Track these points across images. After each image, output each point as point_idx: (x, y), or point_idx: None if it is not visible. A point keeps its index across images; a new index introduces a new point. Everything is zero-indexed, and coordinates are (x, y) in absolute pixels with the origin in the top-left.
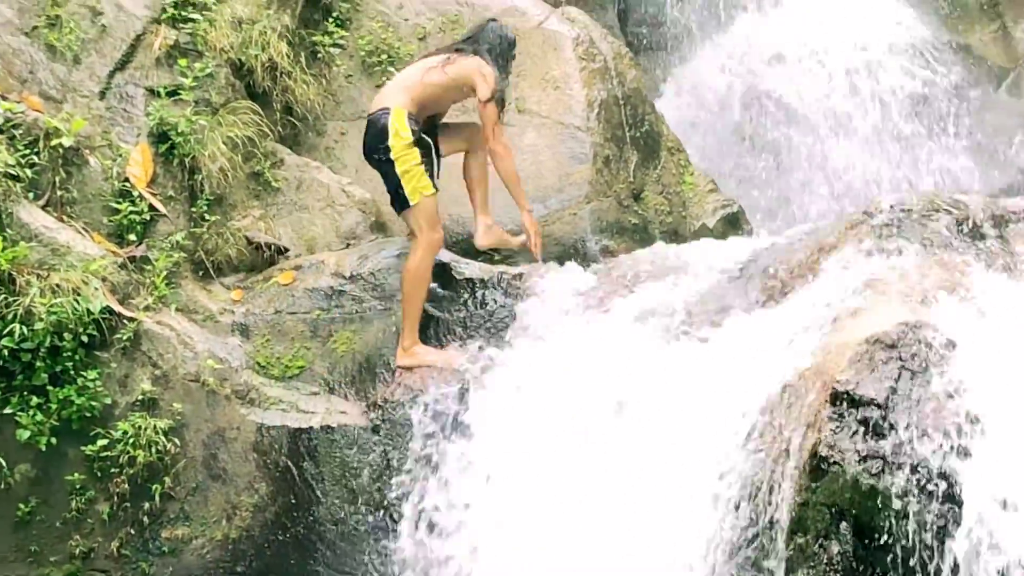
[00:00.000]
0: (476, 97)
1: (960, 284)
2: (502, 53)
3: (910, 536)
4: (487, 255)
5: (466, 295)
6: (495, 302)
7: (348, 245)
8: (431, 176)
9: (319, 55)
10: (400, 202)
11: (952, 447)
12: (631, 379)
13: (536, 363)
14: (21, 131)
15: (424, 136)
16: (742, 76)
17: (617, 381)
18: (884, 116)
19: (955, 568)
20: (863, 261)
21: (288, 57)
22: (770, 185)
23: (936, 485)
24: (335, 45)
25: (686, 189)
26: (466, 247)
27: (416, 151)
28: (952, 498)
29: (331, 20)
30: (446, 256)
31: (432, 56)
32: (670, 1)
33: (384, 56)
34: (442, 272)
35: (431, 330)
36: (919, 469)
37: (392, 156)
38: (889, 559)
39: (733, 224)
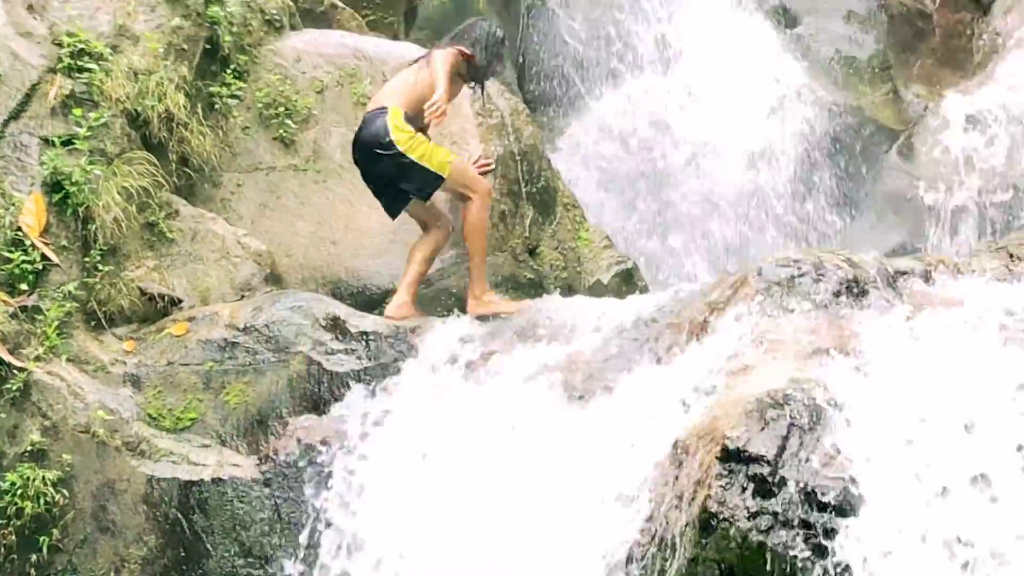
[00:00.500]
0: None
1: (850, 343)
2: (489, 46)
3: None
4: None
5: (360, 348)
6: (387, 355)
7: (242, 297)
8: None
9: (216, 106)
10: (429, 184)
11: (840, 505)
12: (518, 439)
13: (427, 420)
14: None
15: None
16: (637, 135)
17: (504, 442)
18: (776, 176)
19: None
20: (754, 319)
21: (185, 108)
22: (662, 241)
23: (824, 542)
24: (232, 96)
25: (581, 245)
26: (361, 300)
27: (423, 136)
28: (840, 555)
29: (229, 72)
30: (341, 310)
31: (418, 60)
32: (568, 59)
33: (281, 108)
34: (335, 325)
35: (324, 382)
36: (808, 526)
37: (401, 148)
38: None
39: (627, 280)
